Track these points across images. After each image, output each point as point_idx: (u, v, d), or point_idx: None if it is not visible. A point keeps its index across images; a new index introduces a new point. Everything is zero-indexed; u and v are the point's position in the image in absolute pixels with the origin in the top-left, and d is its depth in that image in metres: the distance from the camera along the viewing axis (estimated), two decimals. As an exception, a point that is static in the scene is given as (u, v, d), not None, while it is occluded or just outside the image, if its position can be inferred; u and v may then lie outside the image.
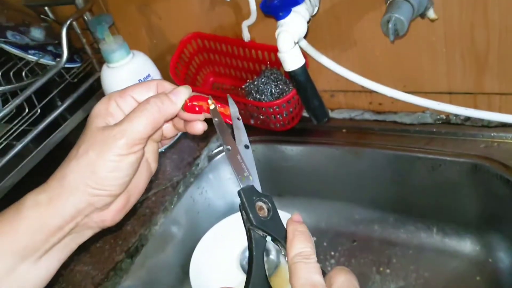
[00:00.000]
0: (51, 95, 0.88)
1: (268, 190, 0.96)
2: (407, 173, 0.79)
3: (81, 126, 0.96)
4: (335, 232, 0.89)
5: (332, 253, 0.86)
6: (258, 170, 0.95)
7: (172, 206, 0.82)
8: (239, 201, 0.44)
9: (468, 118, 0.75)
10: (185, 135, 0.92)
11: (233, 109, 0.47)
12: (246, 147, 0.46)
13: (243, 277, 0.83)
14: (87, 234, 0.46)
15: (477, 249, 0.78)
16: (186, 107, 0.45)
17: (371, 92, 0.79)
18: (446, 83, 0.73)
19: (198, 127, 0.47)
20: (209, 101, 0.46)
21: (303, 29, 0.59)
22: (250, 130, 0.90)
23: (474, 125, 0.75)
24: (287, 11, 0.58)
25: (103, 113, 0.44)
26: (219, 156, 0.90)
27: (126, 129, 0.42)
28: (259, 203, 0.44)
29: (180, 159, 0.87)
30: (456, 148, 0.74)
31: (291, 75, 0.59)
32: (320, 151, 0.86)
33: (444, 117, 0.77)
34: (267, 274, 0.40)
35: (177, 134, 0.52)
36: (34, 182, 0.87)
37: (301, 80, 0.59)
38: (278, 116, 0.80)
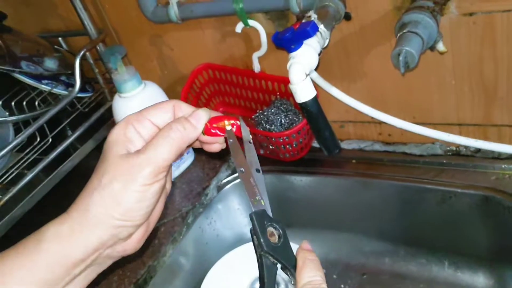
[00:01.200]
0: (63, 125, 0.89)
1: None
2: (417, 205, 0.78)
3: (91, 156, 0.97)
4: (344, 265, 0.88)
5: (342, 286, 0.85)
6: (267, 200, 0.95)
7: (181, 237, 0.82)
8: (251, 226, 0.43)
9: (478, 150, 0.75)
10: (194, 164, 0.93)
11: (245, 133, 0.47)
12: (257, 171, 0.46)
13: (252, 311, 0.82)
14: (108, 263, 0.45)
15: (490, 283, 0.76)
16: (206, 131, 0.45)
17: (381, 123, 0.80)
18: (455, 114, 0.73)
19: (215, 147, 0.47)
20: (226, 122, 0.46)
21: (315, 61, 0.60)
22: (260, 160, 0.91)
23: (485, 156, 0.75)
24: (299, 44, 0.59)
25: (121, 139, 0.43)
26: (228, 186, 0.90)
27: (151, 157, 0.41)
28: (270, 229, 0.43)
29: (189, 189, 0.87)
30: (466, 180, 0.74)
31: (302, 107, 0.60)
32: (329, 182, 0.86)
33: (454, 149, 0.77)
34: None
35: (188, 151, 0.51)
36: (44, 212, 0.88)
37: (313, 111, 0.59)
38: (287, 146, 0.80)
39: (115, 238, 0.42)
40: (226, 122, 0.46)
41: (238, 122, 0.46)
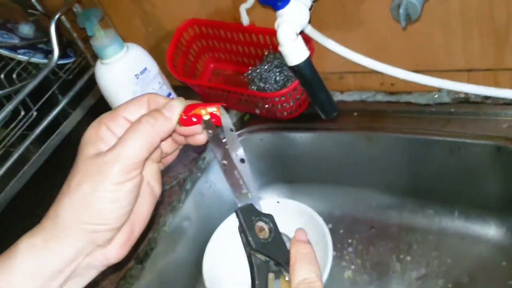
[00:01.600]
0: (45, 97, 0.84)
1: (278, 177, 0.94)
2: (425, 157, 0.74)
3: (81, 124, 0.93)
4: (351, 219, 0.85)
5: (350, 240, 0.83)
6: (267, 158, 0.91)
7: (180, 205, 0.79)
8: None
9: (489, 96, 0.70)
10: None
11: (225, 120, 0.42)
12: (242, 161, 0.42)
13: (258, 270, 0.80)
14: (91, 275, 0.42)
15: (502, 233, 0.74)
16: (182, 121, 0.41)
17: (381, 72, 0.74)
18: (463, 60, 0.68)
19: (200, 138, 0.43)
20: (203, 111, 0.41)
21: (305, 18, 0.53)
22: (256, 118, 0.87)
23: (496, 103, 0.70)
24: (286, 0, 0.53)
25: (94, 139, 0.40)
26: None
27: (120, 153, 0.38)
28: (260, 223, 0.40)
29: (185, 155, 0.83)
30: (476, 129, 0.69)
31: (294, 70, 0.54)
32: (330, 137, 0.82)
33: (462, 96, 0.72)
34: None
35: (178, 149, 0.47)
36: (39, 187, 0.86)
37: (306, 74, 0.54)
38: (284, 104, 0.75)
39: (92, 245, 0.39)
40: (203, 111, 0.41)
41: (215, 110, 0.41)
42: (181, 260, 0.81)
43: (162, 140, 0.41)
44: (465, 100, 0.72)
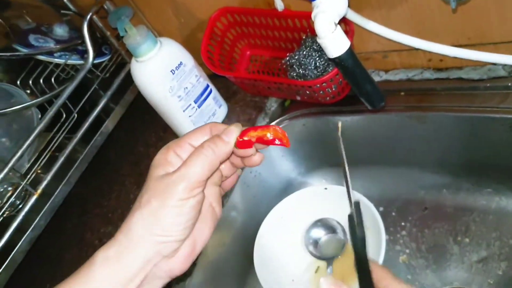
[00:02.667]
0: (85, 98, 0.84)
1: (324, 162, 0.91)
2: (481, 135, 0.70)
3: (121, 122, 0.93)
4: (403, 201, 0.82)
5: (403, 223, 0.80)
6: (311, 143, 0.89)
7: (226, 197, 0.79)
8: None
9: (550, 67, 0.64)
10: (228, 118, 0.87)
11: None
12: None
13: (310, 258, 0.79)
14: (158, 285, 0.46)
15: None
16: (238, 144, 0.46)
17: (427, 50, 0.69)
18: (520, 29, 0.62)
19: (255, 159, 0.48)
20: (268, 135, 0.46)
21: (343, 6, 0.50)
22: (297, 104, 0.84)
23: (558, 73, 0.64)
24: (322, -12, 0.49)
25: (162, 163, 0.46)
26: (267, 137, 0.84)
27: (184, 174, 0.44)
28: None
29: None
30: (537, 103, 0.64)
31: (335, 62, 0.51)
32: (377, 119, 0.78)
33: (520, 68, 0.66)
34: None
35: (236, 174, 0.52)
36: (88, 185, 0.87)
37: (348, 66, 0.51)
38: (326, 90, 0.72)
39: (159, 256, 0.44)
40: (268, 134, 0.45)
41: (268, 134, 0.46)
42: (232, 252, 0.81)
43: (221, 162, 0.46)
44: (524, 73, 0.67)
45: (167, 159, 0.46)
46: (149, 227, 0.43)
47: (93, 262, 0.44)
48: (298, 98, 0.77)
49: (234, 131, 0.46)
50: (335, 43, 0.50)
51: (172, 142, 0.47)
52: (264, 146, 0.47)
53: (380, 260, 0.69)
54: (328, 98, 0.75)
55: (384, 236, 0.71)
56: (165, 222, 0.43)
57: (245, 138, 0.45)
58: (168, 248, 0.44)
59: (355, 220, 0.50)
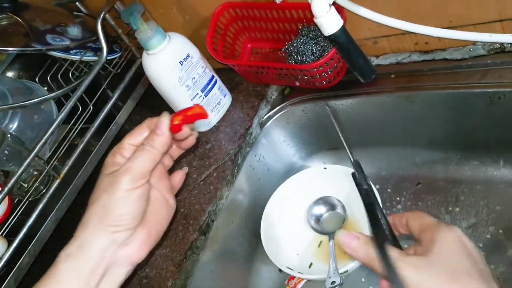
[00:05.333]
0: (100, 92, 0.91)
1: (323, 145, 0.97)
2: (465, 111, 0.76)
3: (134, 113, 0.99)
4: (397, 177, 0.88)
5: (398, 198, 0.86)
6: (310, 128, 0.95)
7: (234, 178, 0.85)
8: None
9: (524, 44, 0.71)
10: (233, 106, 0.93)
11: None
12: None
13: (313, 234, 0.85)
14: (121, 272, 0.51)
15: (548, 176, 0.76)
16: (171, 129, 0.52)
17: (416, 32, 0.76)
18: (496, 10, 0.69)
19: (191, 140, 0.56)
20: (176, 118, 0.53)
21: (336, -11, 0.56)
22: (296, 91, 0.91)
23: (532, 50, 0.71)
24: (317, -26, 0.56)
25: (110, 163, 0.52)
26: (270, 122, 0.91)
27: (128, 167, 0.49)
28: None
29: (233, 132, 0.88)
30: (515, 78, 0.71)
31: (331, 39, 0.58)
32: (370, 101, 0.84)
33: (498, 46, 0.73)
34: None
35: (184, 171, 0.61)
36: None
37: (342, 42, 0.57)
38: (323, 74, 0.79)
39: (115, 244, 0.49)
40: (189, 113, 0.52)
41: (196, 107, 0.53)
42: (240, 230, 0.86)
43: (164, 152, 0.52)
44: (501, 51, 0.73)
45: (114, 161, 0.52)
46: (102, 218, 0.48)
47: (57, 262, 0.48)
48: (297, 83, 0.84)
49: (163, 122, 0.52)
50: (330, 22, 0.56)
51: (116, 147, 0.54)
52: (191, 124, 0.53)
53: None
54: (324, 82, 0.81)
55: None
56: (115, 212, 0.48)
57: (175, 123, 0.52)
58: (121, 236, 0.49)
59: (357, 176, 0.58)
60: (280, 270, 0.85)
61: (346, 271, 0.74)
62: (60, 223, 0.82)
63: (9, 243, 0.74)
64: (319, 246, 0.85)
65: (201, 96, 0.87)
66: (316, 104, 0.88)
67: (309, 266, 0.82)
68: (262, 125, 0.90)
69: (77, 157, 0.85)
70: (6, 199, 0.77)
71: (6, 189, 0.72)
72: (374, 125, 0.87)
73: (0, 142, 0.75)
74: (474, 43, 0.74)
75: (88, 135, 0.83)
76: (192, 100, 0.86)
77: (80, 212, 0.89)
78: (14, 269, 0.74)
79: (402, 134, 0.86)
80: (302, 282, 0.84)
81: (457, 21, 0.72)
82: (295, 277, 0.84)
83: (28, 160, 0.74)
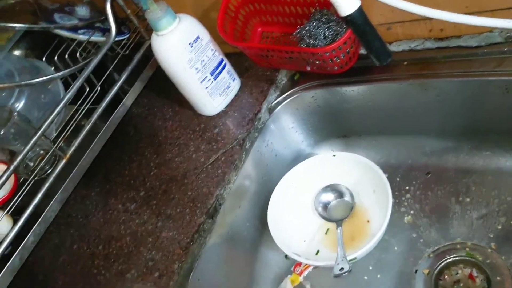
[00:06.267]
0: (108, 72, 0.89)
1: (332, 133, 0.96)
2: (479, 99, 0.75)
3: (141, 96, 0.98)
4: (407, 166, 0.88)
5: (407, 187, 0.85)
6: (320, 114, 0.94)
7: (242, 163, 0.84)
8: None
9: (542, 32, 0.69)
10: (242, 91, 0.92)
11: None
12: None
13: (320, 221, 0.85)
14: None
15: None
16: None
17: (431, 18, 0.74)
18: (514, -3, 0.67)
19: None
20: None
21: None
22: (306, 76, 0.90)
23: (550, 38, 0.69)
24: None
25: None
26: (279, 107, 0.90)
27: None
28: None
29: (241, 116, 0.87)
30: (532, 66, 0.70)
31: (348, 20, 0.57)
32: (382, 88, 0.83)
33: (515, 34, 0.72)
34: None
35: None
36: (109, 156, 0.92)
37: (359, 23, 0.56)
38: (335, 59, 0.77)
39: None
40: None
41: None
42: (247, 215, 0.86)
43: None
44: (518, 38, 0.72)
45: None
46: None
47: None
48: (308, 68, 0.82)
49: None
50: (347, 2, 0.55)
51: None
52: None
53: (387, 220, 0.74)
54: (336, 68, 0.80)
55: (391, 198, 0.76)
56: None
57: None
58: None
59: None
60: (286, 257, 0.84)
61: (355, 258, 0.74)
62: (65, 204, 0.81)
63: (15, 222, 0.73)
64: (326, 233, 0.84)
65: (210, 79, 0.86)
66: (326, 90, 0.87)
67: (316, 253, 0.81)
68: (271, 110, 0.89)
69: (84, 138, 0.84)
70: (12, 177, 0.77)
71: (12, 166, 0.71)
72: (385, 112, 0.86)
73: (6, 120, 0.74)
74: (490, 30, 0.73)
75: (96, 115, 0.83)
76: (201, 83, 0.85)
77: (85, 193, 0.90)
78: (19, 248, 0.73)
79: (413, 123, 0.85)
80: (309, 269, 0.83)
81: (473, 7, 0.71)
82: (301, 263, 0.83)
83: (35, 138, 0.73)
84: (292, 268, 0.84)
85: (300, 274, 0.83)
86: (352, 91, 0.85)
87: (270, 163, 0.91)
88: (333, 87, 0.86)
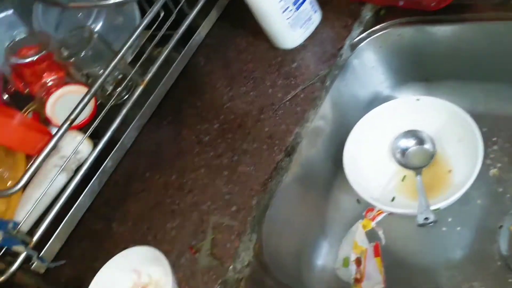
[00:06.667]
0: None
1: (414, 75, 0.91)
2: None
3: (216, 26, 0.94)
4: (495, 116, 0.82)
5: (494, 138, 0.79)
6: (404, 55, 0.88)
7: (321, 101, 0.80)
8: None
9: None
10: (323, 24, 0.86)
11: None
12: None
13: (396, 167, 0.81)
14: None
15: None
16: None
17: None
18: None
19: None
20: None
21: None
22: (393, 13, 0.83)
23: None
24: None
25: None
26: (362, 44, 0.84)
27: None
28: None
29: (322, 51, 0.83)
30: None
31: None
32: (477, 29, 0.77)
33: None
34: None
35: None
36: (182, 87, 0.89)
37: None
38: (434, -8, 0.71)
39: None
40: None
41: None
42: (321, 155, 0.83)
43: None
44: None
45: None
46: None
47: None
48: (401, 3, 0.76)
49: None
50: None
51: None
52: None
53: (476, 172, 0.69)
54: (434, 3, 0.74)
55: (481, 146, 0.71)
56: None
57: None
58: None
59: None
60: (358, 201, 0.82)
61: (438, 208, 0.71)
62: (142, 131, 0.80)
63: (95, 145, 0.73)
64: (402, 180, 0.81)
65: (291, 9, 0.81)
66: (415, 29, 0.81)
67: (392, 200, 0.79)
68: (353, 47, 0.84)
69: (158, 68, 0.81)
70: (93, 100, 0.75)
71: (93, 89, 0.69)
72: (476, 57, 0.80)
73: (87, 41, 0.72)
74: None
75: (173, 41, 0.80)
76: (283, 13, 0.80)
77: (157, 122, 0.88)
78: (98, 172, 0.73)
79: (505, 69, 0.79)
80: (382, 215, 0.81)
81: None
82: (373, 209, 0.81)
83: (115, 60, 0.71)
84: (364, 213, 0.82)
85: (373, 219, 0.81)
86: (445, 30, 0.79)
87: (347, 102, 0.87)
88: (424, 25, 0.80)
